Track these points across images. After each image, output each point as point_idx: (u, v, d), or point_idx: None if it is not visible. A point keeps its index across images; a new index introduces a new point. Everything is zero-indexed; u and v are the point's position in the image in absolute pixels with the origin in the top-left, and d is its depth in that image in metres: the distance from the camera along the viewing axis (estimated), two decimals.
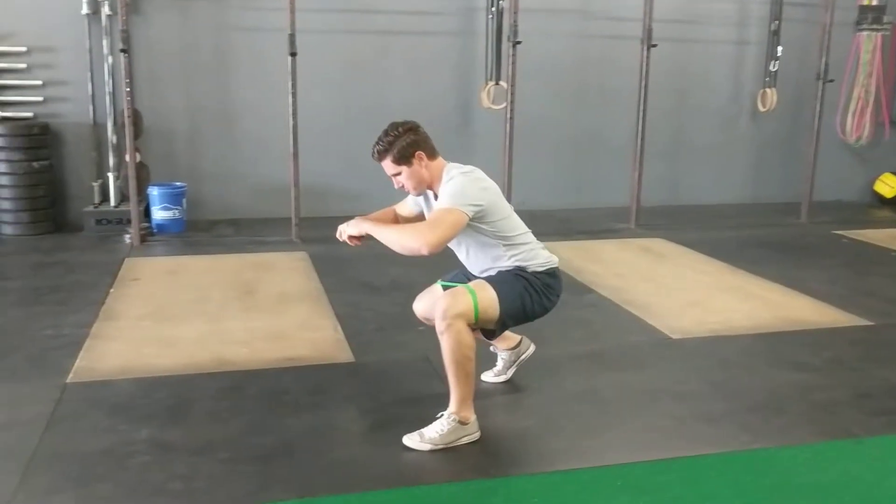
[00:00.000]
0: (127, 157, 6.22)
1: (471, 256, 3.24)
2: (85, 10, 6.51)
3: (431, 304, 3.18)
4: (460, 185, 3.03)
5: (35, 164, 6.37)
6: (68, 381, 3.61)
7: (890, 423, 3.37)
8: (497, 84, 7.08)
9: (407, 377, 3.76)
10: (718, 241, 6.60)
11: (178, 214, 6.67)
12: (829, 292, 5.18)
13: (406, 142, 3.09)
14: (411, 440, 3.04)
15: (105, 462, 2.90)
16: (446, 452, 3.01)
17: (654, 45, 6.88)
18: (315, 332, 4.34)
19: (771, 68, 7.94)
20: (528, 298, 3.12)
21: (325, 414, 3.34)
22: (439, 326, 2.96)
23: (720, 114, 8.30)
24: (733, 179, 8.48)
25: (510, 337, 3.57)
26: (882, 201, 8.59)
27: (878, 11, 8.08)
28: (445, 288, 3.24)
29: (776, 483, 2.88)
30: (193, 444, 3.04)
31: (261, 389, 3.57)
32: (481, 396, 3.39)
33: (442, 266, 3.46)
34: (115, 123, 6.67)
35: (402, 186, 3.19)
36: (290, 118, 6.20)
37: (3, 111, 6.54)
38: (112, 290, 4.99)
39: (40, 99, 6.62)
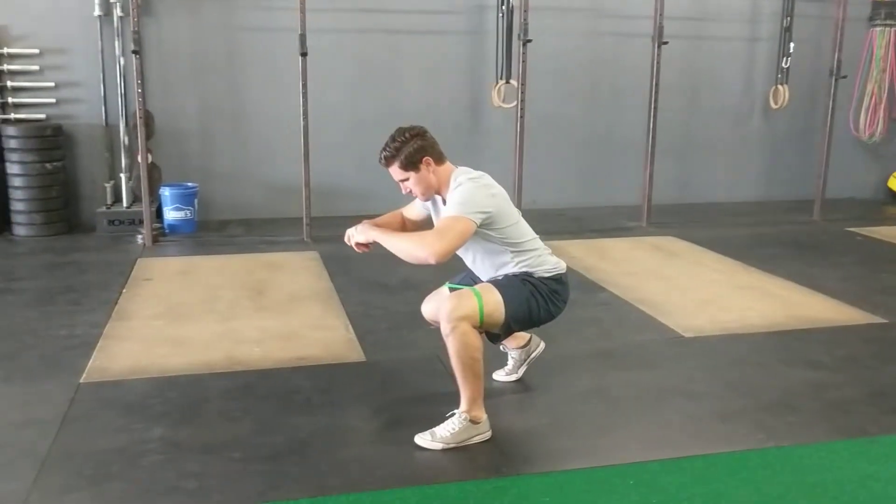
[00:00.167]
0: (139, 158, 6.25)
1: (477, 262, 3.23)
2: (97, 11, 6.54)
3: (438, 306, 3.18)
4: (468, 191, 3.01)
5: (48, 166, 6.41)
6: (82, 380, 3.63)
7: None
8: (507, 83, 7.07)
9: (418, 376, 3.76)
10: (731, 239, 6.57)
11: (189, 215, 6.69)
12: (842, 290, 5.15)
13: (413, 147, 3.05)
14: (423, 439, 3.04)
15: (118, 461, 2.91)
16: (458, 451, 3.00)
17: (665, 43, 6.85)
18: (326, 332, 4.35)
19: (783, 65, 7.90)
20: (534, 304, 3.10)
21: (336, 413, 3.35)
22: (444, 329, 2.96)
23: (732, 111, 8.26)
24: (745, 177, 8.44)
25: (520, 336, 3.56)
26: None
27: (892, 6, 8.04)
28: (452, 290, 3.24)
29: (790, 482, 2.87)
30: (205, 443, 3.05)
31: (272, 389, 3.57)
32: (492, 395, 3.39)
33: (452, 265, 3.45)
34: (127, 124, 6.70)
35: (410, 192, 3.16)
36: (301, 118, 6.21)
37: (16, 113, 6.59)
38: (124, 291, 5.01)
39: (53, 100, 6.66)
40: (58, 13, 6.56)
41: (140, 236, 6.32)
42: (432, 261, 2.89)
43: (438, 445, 3.01)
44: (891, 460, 3.06)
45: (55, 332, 4.27)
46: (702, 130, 8.18)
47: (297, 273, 5.52)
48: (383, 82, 7.29)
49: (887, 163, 8.61)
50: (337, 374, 3.76)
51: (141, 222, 6.32)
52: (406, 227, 3.40)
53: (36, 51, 6.56)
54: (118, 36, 6.60)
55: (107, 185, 6.80)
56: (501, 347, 3.59)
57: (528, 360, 3.64)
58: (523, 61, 6.62)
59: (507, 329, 3.15)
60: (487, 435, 3.09)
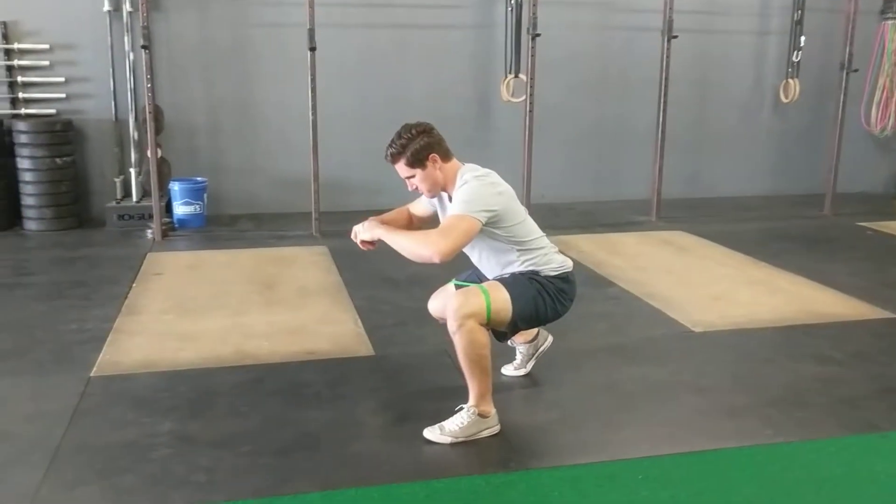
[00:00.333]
0: (148, 153, 6.27)
1: (483, 260, 3.22)
2: (106, 7, 6.56)
3: (445, 303, 3.18)
4: (474, 189, 2.99)
5: (58, 161, 6.43)
6: (92, 374, 3.65)
7: None
8: (516, 77, 7.06)
9: (427, 370, 3.76)
10: (740, 234, 6.55)
11: (199, 209, 6.71)
12: (852, 285, 5.13)
13: (420, 144, 3.03)
14: (432, 433, 3.04)
15: (129, 454, 2.93)
16: (467, 445, 3.01)
17: (675, 37, 6.82)
18: (335, 326, 4.36)
19: (794, 58, 7.85)
20: (541, 302, 3.09)
21: (345, 407, 3.35)
22: (451, 326, 2.95)
23: (742, 105, 8.23)
24: (755, 171, 8.41)
25: (527, 330, 3.56)
26: None
27: None
28: (459, 287, 3.23)
29: (799, 477, 2.86)
30: (215, 437, 3.07)
31: (282, 383, 3.58)
32: (501, 390, 3.40)
33: (460, 261, 3.45)
34: (136, 119, 6.72)
35: (416, 189, 3.15)
36: (310, 113, 6.21)
37: (26, 108, 6.62)
38: (134, 285, 5.03)
39: (63, 96, 6.68)
40: (68, 9, 6.58)
41: (150, 231, 6.34)
42: (436, 260, 2.88)
43: (447, 439, 3.02)
44: None
45: (66, 327, 4.29)
46: (712, 125, 8.15)
47: (306, 268, 5.53)
48: (392, 77, 7.29)
49: None
50: (346, 369, 3.77)
51: (151, 217, 6.34)
52: (413, 223, 3.40)
53: (46, 46, 6.59)
54: (128, 31, 6.62)
55: (116, 179, 6.83)
56: (509, 342, 3.59)
57: (536, 355, 3.64)
58: (532, 55, 6.61)
59: (514, 327, 3.14)
60: (496, 429, 3.09)
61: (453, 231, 2.91)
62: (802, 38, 7.78)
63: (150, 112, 6.10)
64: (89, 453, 2.94)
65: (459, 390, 3.14)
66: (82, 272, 5.38)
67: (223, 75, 7.00)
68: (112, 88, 6.73)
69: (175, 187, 6.63)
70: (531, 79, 6.65)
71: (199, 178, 6.83)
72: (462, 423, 3.03)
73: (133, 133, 6.76)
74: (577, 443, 3.09)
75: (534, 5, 6.53)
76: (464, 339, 2.94)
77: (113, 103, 6.76)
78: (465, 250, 3.13)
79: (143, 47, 6.02)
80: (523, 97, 6.79)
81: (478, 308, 2.94)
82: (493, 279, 3.16)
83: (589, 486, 2.78)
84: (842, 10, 7.39)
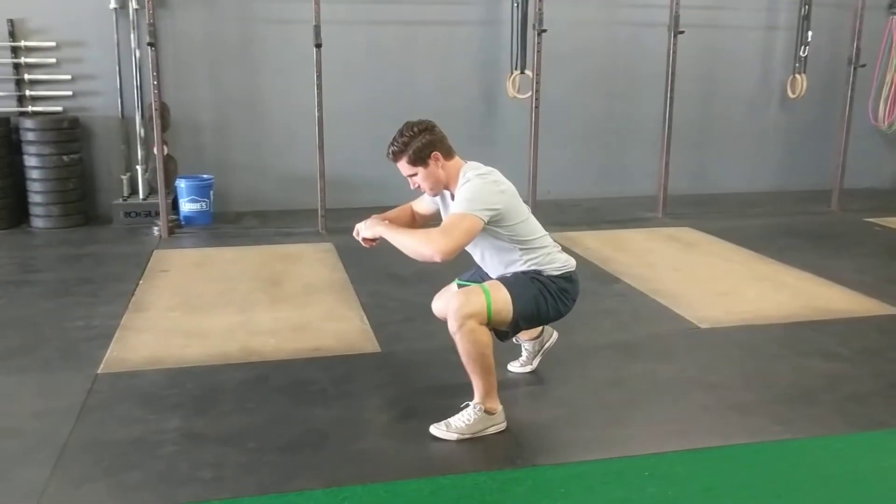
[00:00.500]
0: (155, 150, 6.28)
1: (486, 259, 3.21)
2: (112, 4, 6.57)
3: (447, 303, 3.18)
4: (476, 188, 2.97)
5: (65, 158, 6.45)
6: (99, 371, 3.66)
7: None
8: (522, 73, 7.05)
9: (433, 367, 3.76)
10: (747, 230, 6.53)
11: (205, 206, 6.72)
12: (860, 281, 5.11)
13: (422, 142, 3.01)
14: (438, 430, 3.04)
15: (135, 451, 2.94)
16: (473, 442, 3.01)
17: (682, 32, 6.81)
18: (341, 323, 4.36)
19: (801, 54, 7.81)
20: (542, 302, 3.07)
21: (351, 404, 3.36)
22: (451, 326, 2.94)
23: (749, 101, 8.20)
24: (762, 167, 8.38)
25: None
26: None
27: None
28: (461, 287, 3.22)
29: (807, 474, 2.85)
30: (222, 434, 3.07)
31: (287, 380, 3.59)
32: (508, 386, 3.40)
33: (464, 259, 3.45)
34: (142, 116, 6.73)
35: (419, 187, 3.13)
36: (316, 110, 6.21)
37: (33, 106, 6.63)
38: (141, 282, 5.04)
39: (69, 93, 6.70)
40: (74, 6, 6.59)
41: (156, 228, 6.36)
42: (437, 259, 2.86)
43: (453, 436, 3.02)
44: None
45: (73, 324, 4.30)
46: (718, 120, 8.13)
47: (312, 264, 5.54)
48: (398, 73, 7.29)
49: None
50: (352, 365, 3.77)
51: (157, 214, 6.35)
52: (416, 221, 3.39)
53: (53, 43, 6.60)
54: (134, 28, 6.62)
55: (123, 177, 6.84)
56: (514, 340, 3.58)
57: (542, 351, 3.63)
58: (538, 51, 6.60)
59: (516, 327, 3.11)
60: (503, 426, 3.09)
61: (455, 230, 2.89)
62: (810, 34, 7.75)
63: (156, 109, 6.11)
64: (96, 450, 2.95)
65: (466, 387, 3.14)
66: (89, 269, 5.40)
67: (229, 72, 7.00)
68: (118, 86, 6.74)
69: (181, 184, 6.65)
70: (537, 75, 6.64)
71: (205, 176, 6.84)
72: (468, 420, 3.03)
73: (139, 130, 6.77)
74: (583, 439, 3.09)
75: (540, 1, 6.51)
76: (465, 339, 2.93)
77: (119, 101, 6.77)
78: (468, 249, 3.12)
79: (150, 44, 6.03)
80: (529, 93, 6.78)
81: (478, 308, 2.93)
82: (496, 278, 3.14)
83: (595, 482, 2.78)
84: (849, 4, 7.36)
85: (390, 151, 3.06)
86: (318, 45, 6.11)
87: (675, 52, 6.86)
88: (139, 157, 6.79)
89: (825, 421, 3.25)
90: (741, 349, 4.03)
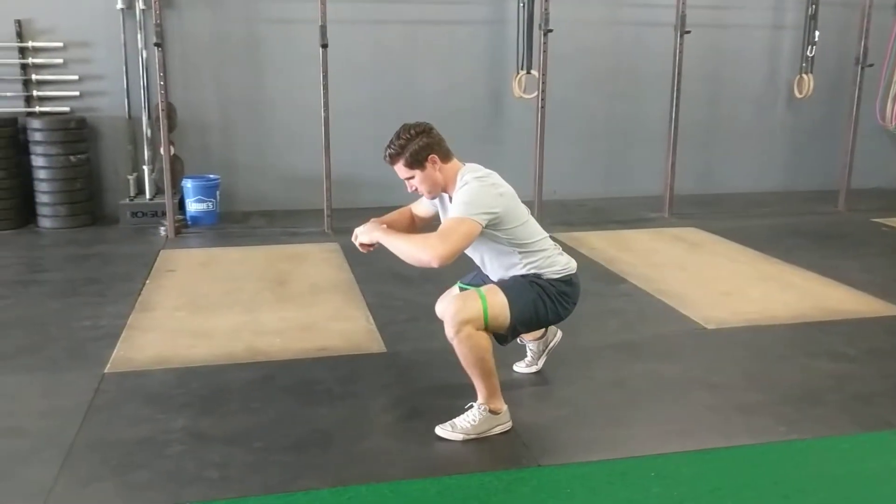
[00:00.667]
0: (161, 151, 6.30)
1: (486, 262, 3.18)
2: (119, 4, 6.59)
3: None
4: (474, 191, 2.92)
5: (72, 158, 6.47)
6: (106, 371, 3.67)
7: None
8: (528, 73, 7.05)
9: (438, 367, 3.75)
10: (754, 230, 6.52)
11: (211, 206, 6.74)
12: (867, 281, 5.09)
13: (419, 145, 2.97)
14: (443, 430, 3.05)
15: (142, 450, 2.95)
16: (478, 442, 3.01)
17: (688, 32, 6.79)
18: (347, 323, 4.37)
19: (808, 53, 7.79)
20: (541, 306, 3.04)
21: (357, 404, 3.36)
22: (448, 332, 2.92)
23: (755, 100, 8.18)
24: (769, 167, 8.36)
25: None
26: None
27: None
28: (463, 290, 3.21)
29: (813, 474, 2.85)
30: (228, 434, 3.08)
31: (293, 379, 3.60)
32: (513, 387, 3.40)
33: (467, 261, 3.45)
34: (149, 117, 6.75)
35: (416, 190, 3.09)
36: (322, 110, 6.22)
37: (40, 106, 6.66)
38: (148, 282, 5.06)
39: (77, 93, 6.72)
40: (81, 7, 6.62)
41: (163, 228, 6.38)
42: (435, 265, 2.83)
43: (459, 436, 3.02)
44: None
45: (80, 323, 4.32)
46: (725, 120, 8.11)
47: (318, 264, 5.55)
48: (404, 73, 7.29)
49: None
50: (357, 365, 3.78)
51: (164, 214, 6.37)
52: (415, 223, 3.37)
53: (60, 44, 6.62)
54: (141, 29, 6.65)
55: (130, 177, 6.86)
56: (518, 340, 3.58)
57: (547, 351, 3.63)
58: (544, 51, 6.60)
59: (514, 331, 3.07)
60: (508, 425, 3.09)
61: (452, 235, 2.85)
62: (817, 33, 7.72)
63: (163, 110, 6.13)
64: (103, 450, 2.96)
65: (471, 387, 3.13)
66: (96, 269, 5.41)
67: (235, 72, 7.02)
68: (125, 86, 6.76)
69: (188, 185, 6.66)
70: (543, 75, 6.64)
71: (211, 176, 6.86)
72: (474, 421, 3.03)
73: (146, 130, 6.79)
74: (588, 440, 3.09)
75: (546, 1, 6.51)
76: (462, 345, 2.92)
77: (126, 101, 6.79)
78: (468, 252, 3.09)
79: (156, 45, 6.05)
80: (535, 93, 6.77)
81: (474, 313, 2.90)
82: (495, 281, 3.12)
83: (600, 483, 2.78)
84: (856, 4, 7.33)
85: (387, 154, 3.02)
86: (325, 46, 6.12)
87: (681, 52, 6.85)
88: (146, 157, 6.81)
89: (831, 421, 3.24)
90: (747, 349, 4.02)
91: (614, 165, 7.96)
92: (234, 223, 6.78)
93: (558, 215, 6.91)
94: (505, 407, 3.10)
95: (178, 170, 6.58)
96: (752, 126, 8.21)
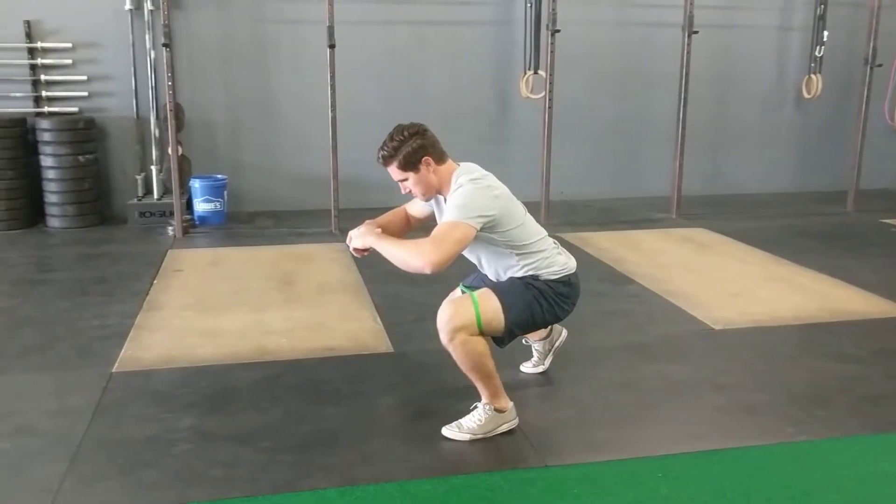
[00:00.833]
0: (169, 151, 6.31)
1: (484, 264, 3.14)
2: (128, 5, 6.61)
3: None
4: (468, 194, 2.86)
5: (81, 158, 6.50)
6: (114, 370, 3.68)
7: None
8: (536, 73, 7.04)
9: (445, 367, 3.72)
10: (762, 231, 6.50)
11: (219, 206, 6.75)
12: (875, 282, 5.07)
13: (413, 147, 2.91)
14: (450, 431, 3.04)
15: (149, 449, 2.95)
16: (485, 442, 3.01)
17: (696, 32, 6.78)
18: (354, 323, 4.37)
19: (816, 53, 7.77)
20: (537, 308, 3.00)
21: (364, 403, 3.37)
22: (443, 339, 2.89)
23: (763, 101, 8.16)
24: (777, 168, 8.34)
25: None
26: None
27: None
28: (465, 291, 3.18)
29: (821, 476, 2.83)
30: (235, 433, 3.09)
31: (301, 379, 3.60)
32: (520, 387, 3.40)
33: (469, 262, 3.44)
34: (157, 117, 6.77)
35: (410, 192, 3.04)
36: (329, 110, 6.23)
37: (49, 106, 6.69)
38: (155, 282, 5.07)
39: (85, 94, 6.75)
40: (90, 7, 6.64)
41: (170, 228, 6.39)
42: (428, 271, 2.78)
43: (466, 437, 3.02)
44: None
45: (88, 323, 4.33)
46: (733, 121, 8.10)
47: (326, 264, 5.55)
48: (411, 73, 7.30)
49: None
50: (365, 365, 3.78)
51: (171, 214, 6.39)
52: (410, 223, 3.33)
53: (69, 45, 6.65)
54: (149, 29, 6.67)
55: (138, 177, 6.89)
56: (524, 341, 3.57)
57: (553, 350, 3.62)
58: (551, 52, 6.59)
59: (510, 334, 3.03)
60: (514, 422, 3.08)
61: (446, 240, 2.80)
62: (825, 33, 7.70)
63: (170, 110, 6.15)
64: (110, 448, 2.97)
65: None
66: (104, 269, 5.43)
67: (243, 73, 7.03)
68: (133, 86, 6.78)
69: (195, 185, 6.68)
70: (550, 75, 6.63)
71: (219, 176, 6.87)
72: (480, 421, 3.03)
73: (154, 131, 6.81)
74: (595, 440, 3.08)
75: (553, 1, 6.50)
76: (458, 351, 2.90)
77: (134, 101, 6.82)
78: (466, 254, 3.04)
79: (165, 45, 6.07)
80: (542, 94, 6.77)
81: (467, 320, 2.87)
82: (489, 285, 3.07)
83: (608, 483, 2.77)
84: (865, 4, 7.31)
85: (380, 156, 2.98)
86: (332, 46, 6.12)
87: (689, 53, 6.84)
88: (154, 157, 6.83)
89: (840, 423, 3.23)
90: (755, 350, 4.01)
91: (622, 166, 7.95)
92: (241, 223, 6.80)
93: (565, 216, 6.90)
94: (510, 404, 3.08)
95: (185, 170, 6.60)
96: (761, 127, 8.19)
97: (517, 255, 3.01)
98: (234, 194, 6.98)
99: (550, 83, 6.64)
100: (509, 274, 3.06)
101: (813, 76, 7.84)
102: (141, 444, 3.00)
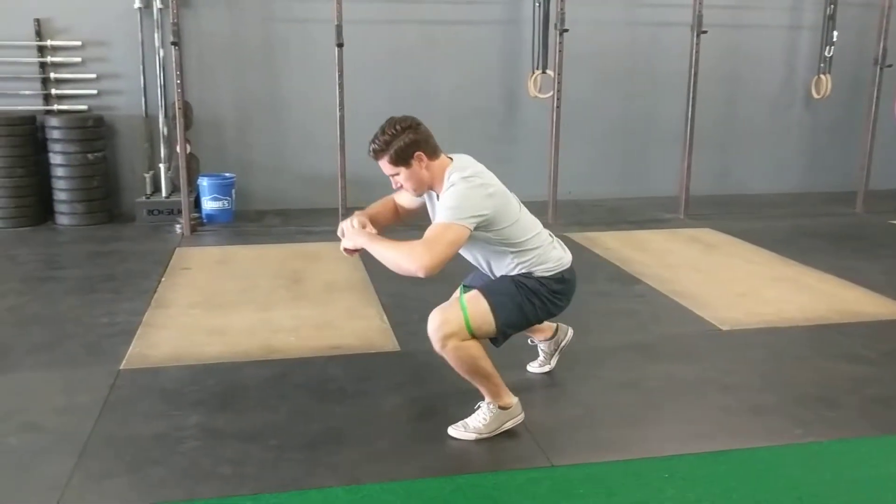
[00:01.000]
0: (178, 149, 6.33)
1: (479, 261, 3.10)
2: (137, 4, 6.64)
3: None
4: (462, 194, 2.79)
5: (90, 156, 6.52)
6: (122, 367, 3.69)
7: None
8: (544, 73, 7.03)
9: (451, 367, 3.75)
10: (770, 232, 6.48)
11: (227, 205, 6.76)
12: (885, 283, 5.05)
13: (405, 141, 2.84)
14: (456, 431, 3.04)
15: (157, 447, 2.96)
16: (491, 441, 3.01)
17: (705, 32, 6.76)
18: (361, 321, 4.37)
19: (826, 53, 7.74)
20: (529, 307, 2.95)
21: (371, 402, 3.37)
22: (434, 347, 2.87)
23: (772, 101, 8.13)
24: (786, 168, 8.31)
25: (544, 328, 3.50)
26: None
27: None
28: (466, 290, 3.13)
29: (828, 478, 2.83)
30: (242, 431, 3.09)
31: (308, 377, 3.61)
32: (527, 387, 3.40)
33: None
34: (166, 115, 6.79)
35: (402, 187, 2.99)
36: (338, 109, 6.24)
37: (59, 104, 6.71)
38: (163, 279, 5.08)
39: (94, 92, 6.77)
40: (99, 6, 6.66)
41: (179, 226, 6.41)
42: (421, 275, 2.73)
43: (472, 436, 3.01)
44: None
45: (96, 320, 4.35)
46: (741, 121, 8.07)
47: (333, 263, 5.56)
48: (419, 73, 7.30)
49: None
50: (371, 364, 3.78)
51: (179, 212, 6.40)
52: (399, 214, 3.29)
53: (78, 43, 6.67)
54: (158, 28, 6.68)
55: (146, 175, 6.91)
56: (529, 341, 3.57)
57: (559, 350, 3.61)
58: (560, 51, 6.58)
59: (504, 335, 2.99)
60: (520, 418, 3.07)
61: (439, 243, 2.74)
62: (835, 33, 7.67)
63: (179, 108, 6.16)
64: (118, 445, 2.98)
65: None
66: (112, 266, 5.45)
67: (251, 71, 7.05)
68: (142, 85, 6.80)
69: (204, 183, 6.69)
70: (558, 74, 6.63)
71: (227, 174, 6.89)
72: (485, 420, 3.02)
73: (163, 129, 6.83)
74: (601, 440, 3.08)
75: (562, 0, 6.49)
76: (451, 357, 2.88)
77: (143, 99, 6.84)
78: (461, 252, 2.99)
79: (173, 44, 6.08)
80: (550, 93, 6.76)
81: (456, 326, 2.84)
82: (478, 287, 3.02)
83: (614, 483, 2.77)
84: (875, 4, 7.28)
85: (371, 149, 2.91)
86: (340, 45, 6.13)
87: (697, 52, 6.82)
88: (162, 155, 6.85)
89: (848, 424, 3.22)
90: (762, 351, 3.99)
91: (630, 166, 7.93)
92: (249, 221, 6.81)
93: (573, 215, 6.89)
94: (514, 399, 3.06)
95: (193, 168, 6.62)
96: (769, 127, 8.16)
97: (512, 253, 2.95)
98: (242, 192, 7.00)
99: (558, 82, 6.63)
100: (503, 272, 3.02)
101: (822, 76, 7.81)
102: (149, 441, 3.01)
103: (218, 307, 4.57)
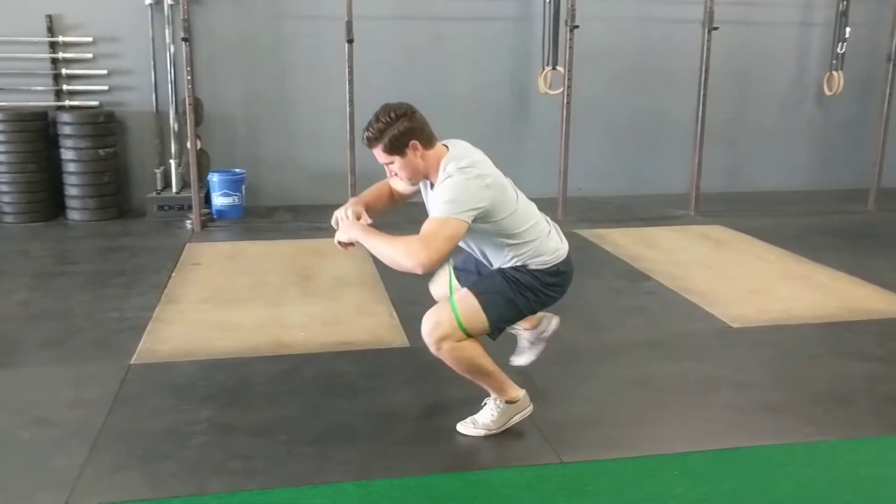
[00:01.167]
0: (188, 145, 6.34)
1: (475, 250, 3.03)
2: (148, 0, 6.65)
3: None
4: (458, 186, 2.70)
5: (101, 152, 6.54)
6: (132, 362, 3.71)
7: None
8: (554, 69, 7.02)
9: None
10: (781, 229, 6.45)
11: (237, 201, 6.78)
12: None
13: (399, 130, 2.79)
14: (465, 427, 3.04)
15: (168, 441, 2.98)
16: (501, 438, 3.01)
17: (716, 28, 6.74)
18: (371, 317, 4.38)
19: (838, 50, 7.70)
20: (522, 301, 2.88)
21: (380, 398, 3.37)
22: (430, 349, 2.85)
23: (784, 98, 8.10)
24: (797, 165, 8.28)
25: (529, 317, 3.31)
26: None
27: None
28: (455, 271, 3.10)
29: (839, 476, 2.81)
30: (252, 425, 3.10)
31: (317, 373, 3.61)
32: (535, 383, 3.39)
33: None
34: (176, 111, 6.81)
35: (396, 175, 2.91)
36: (347, 105, 6.24)
37: (70, 100, 6.74)
38: (174, 275, 5.10)
39: (105, 88, 6.79)
40: (111, 2, 6.69)
41: (189, 221, 6.43)
42: (419, 272, 2.67)
43: (481, 432, 3.01)
44: None
45: (107, 315, 4.36)
46: (753, 117, 8.04)
47: (343, 259, 5.54)
48: (429, 69, 7.29)
49: None
50: (381, 360, 3.79)
51: (190, 208, 6.42)
52: (394, 199, 3.24)
53: (89, 39, 6.70)
54: (168, 24, 6.70)
55: (157, 171, 6.92)
56: (511, 331, 3.37)
57: (542, 339, 3.41)
58: (570, 48, 6.57)
59: (498, 330, 2.94)
60: (529, 410, 3.06)
61: (436, 238, 2.66)
62: (847, 30, 7.62)
63: (189, 104, 6.18)
64: (129, 440, 2.99)
65: None
66: (123, 262, 5.47)
67: (262, 68, 7.06)
68: (153, 81, 6.82)
69: (214, 179, 6.71)
70: (569, 71, 6.61)
71: (237, 170, 6.90)
72: (493, 415, 3.02)
73: (173, 125, 6.84)
74: (611, 437, 3.07)
75: None
76: (448, 359, 2.86)
77: (154, 95, 6.86)
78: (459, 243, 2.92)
79: (184, 40, 6.10)
80: (561, 89, 6.74)
81: (448, 328, 2.80)
82: (473, 280, 3.00)
83: (624, 480, 2.76)
84: (888, 0, 7.23)
85: (365, 137, 2.84)
86: (350, 41, 6.13)
87: (708, 49, 6.79)
88: (173, 151, 6.86)
89: (860, 423, 3.20)
90: (773, 349, 3.98)
91: (640, 163, 7.91)
92: (259, 217, 6.82)
93: (583, 212, 6.88)
94: (521, 392, 3.03)
95: (204, 164, 6.64)
96: (781, 124, 8.13)
97: (508, 245, 2.88)
98: (252, 188, 7.01)
99: (569, 79, 6.62)
100: (498, 264, 2.94)
101: (834, 73, 7.76)
102: (159, 435, 3.02)
103: (228, 303, 4.58)
